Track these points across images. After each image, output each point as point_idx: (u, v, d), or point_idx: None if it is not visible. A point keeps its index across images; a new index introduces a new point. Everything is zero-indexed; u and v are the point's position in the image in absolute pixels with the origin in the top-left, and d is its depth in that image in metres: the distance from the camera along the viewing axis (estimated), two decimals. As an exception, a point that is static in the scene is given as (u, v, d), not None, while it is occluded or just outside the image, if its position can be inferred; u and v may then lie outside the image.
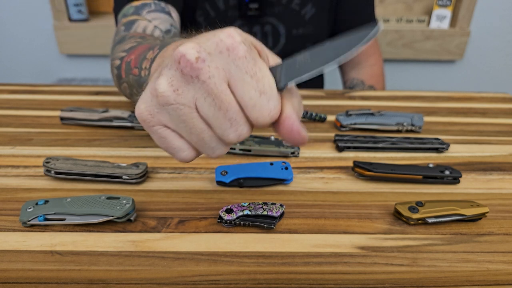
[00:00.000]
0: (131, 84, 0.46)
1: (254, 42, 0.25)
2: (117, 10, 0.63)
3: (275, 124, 0.25)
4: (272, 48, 0.77)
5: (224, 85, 0.23)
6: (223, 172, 0.40)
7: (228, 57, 0.23)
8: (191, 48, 0.23)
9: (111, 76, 0.53)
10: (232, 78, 0.23)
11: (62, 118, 0.54)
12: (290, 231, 0.35)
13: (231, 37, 0.23)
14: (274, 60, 0.26)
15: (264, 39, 0.76)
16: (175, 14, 0.62)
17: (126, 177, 0.40)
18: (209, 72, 0.23)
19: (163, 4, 0.60)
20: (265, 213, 0.34)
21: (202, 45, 0.23)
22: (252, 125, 0.25)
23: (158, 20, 0.58)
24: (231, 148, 0.46)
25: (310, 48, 0.25)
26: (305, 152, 0.48)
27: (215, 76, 0.23)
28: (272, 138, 0.48)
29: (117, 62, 0.49)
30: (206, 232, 0.34)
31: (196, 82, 0.23)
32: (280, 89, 0.25)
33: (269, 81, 0.24)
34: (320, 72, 0.25)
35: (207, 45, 0.23)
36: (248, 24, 0.74)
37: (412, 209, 0.35)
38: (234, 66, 0.23)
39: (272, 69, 0.25)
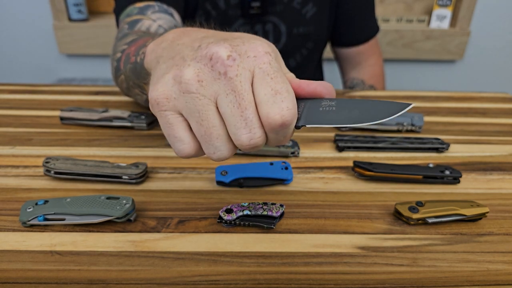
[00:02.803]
0: (127, 75, 0.46)
1: (278, 57, 0.27)
2: (118, 11, 0.63)
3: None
4: None
5: (248, 85, 0.24)
6: (223, 172, 0.40)
7: (254, 61, 0.25)
8: (224, 47, 0.25)
9: (111, 71, 0.53)
10: (255, 78, 0.25)
11: (62, 118, 0.54)
12: (290, 231, 0.34)
13: (258, 47, 0.25)
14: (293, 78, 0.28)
15: (265, 38, 0.76)
16: (177, 16, 0.63)
17: (126, 177, 0.40)
18: (237, 70, 0.24)
19: (165, 6, 0.61)
20: (265, 213, 0.34)
21: (234, 47, 0.25)
22: (265, 131, 0.25)
23: (162, 20, 0.58)
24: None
25: (339, 98, 0.26)
26: (305, 152, 0.48)
27: (241, 75, 0.24)
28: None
29: (118, 55, 0.49)
30: (206, 232, 0.34)
31: (223, 79, 0.24)
32: (297, 127, 0.25)
33: (287, 87, 0.25)
34: (339, 125, 0.25)
35: (237, 48, 0.25)
36: (250, 23, 0.74)
37: (412, 209, 0.35)
38: (258, 69, 0.25)
39: (296, 102, 0.26)
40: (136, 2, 0.60)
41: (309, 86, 0.26)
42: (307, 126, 0.25)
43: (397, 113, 0.24)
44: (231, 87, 0.24)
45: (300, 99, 0.26)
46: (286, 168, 0.41)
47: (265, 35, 0.76)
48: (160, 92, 0.26)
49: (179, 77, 0.25)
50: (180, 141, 0.27)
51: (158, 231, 0.34)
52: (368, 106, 0.25)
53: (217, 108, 0.25)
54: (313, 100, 0.26)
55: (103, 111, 0.53)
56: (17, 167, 0.43)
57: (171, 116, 0.26)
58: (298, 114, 0.25)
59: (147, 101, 0.50)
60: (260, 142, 0.25)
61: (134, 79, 0.44)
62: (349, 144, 0.48)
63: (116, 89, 0.67)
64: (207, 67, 0.25)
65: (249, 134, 0.25)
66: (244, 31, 0.75)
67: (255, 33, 0.75)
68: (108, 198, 0.35)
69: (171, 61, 0.27)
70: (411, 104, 0.25)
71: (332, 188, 0.41)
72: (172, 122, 0.26)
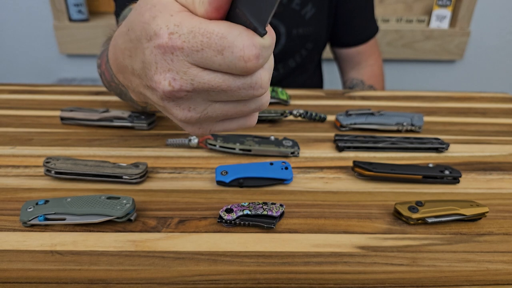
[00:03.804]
0: (118, 93, 0.47)
1: (175, 11, 0.22)
2: (118, 13, 0.63)
3: None
4: None
5: (207, 73, 0.23)
6: (223, 172, 0.40)
7: (177, 56, 0.22)
8: (163, 79, 0.23)
9: None
10: (198, 64, 0.22)
11: (62, 118, 0.54)
12: (290, 231, 0.35)
13: (159, 38, 0.22)
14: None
15: None
16: None
17: (126, 177, 0.40)
18: (185, 84, 0.23)
19: None
20: (265, 213, 0.34)
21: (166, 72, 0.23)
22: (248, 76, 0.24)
23: None
24: (231, 148, 0.46)
25: None
26: (305, 152, 0.48)
27: (195, 80, 0.23)
28: (272, 138, 0.48)
29: (98, 70, 0.49)
30: (206, 232, 0.34)
31: (194, 92, 0.24)
32: (263, 34, 0.22)
33: (219, 32, 0.21)
34: None
35: (162, 63, 0.23)
36: None
37: (412, 209, 0.35)
38: (186, 59, 0.22)
39: (239, 19, 0.22)
40: (132, 3, 0.60)
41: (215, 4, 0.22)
42: (267, 26, 0.22)
43: None
44: (204, 89, 0.23)
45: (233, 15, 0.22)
46: (286, 168, 0.41)
47: None
48: (190, 132, 0.28)
49: (180, 122, 0.27)
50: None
51: (159, 231, 0.34)
52: None
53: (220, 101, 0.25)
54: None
55: (104, 111, 0.53)
56: (18, 167, 0.44)
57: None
58: (250, 26, 0.21)
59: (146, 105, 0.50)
60: (266, 83, 0.24)
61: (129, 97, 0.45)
62: (349, 144, 0.48)
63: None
64: (171, 101, 0.25)
65: (253, 88, 0.24)
66: None
67: None
68: (108, 198, 0.35)
69: (142, 88, 0.27)
70: None
71: (332, 188, 0.41)
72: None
